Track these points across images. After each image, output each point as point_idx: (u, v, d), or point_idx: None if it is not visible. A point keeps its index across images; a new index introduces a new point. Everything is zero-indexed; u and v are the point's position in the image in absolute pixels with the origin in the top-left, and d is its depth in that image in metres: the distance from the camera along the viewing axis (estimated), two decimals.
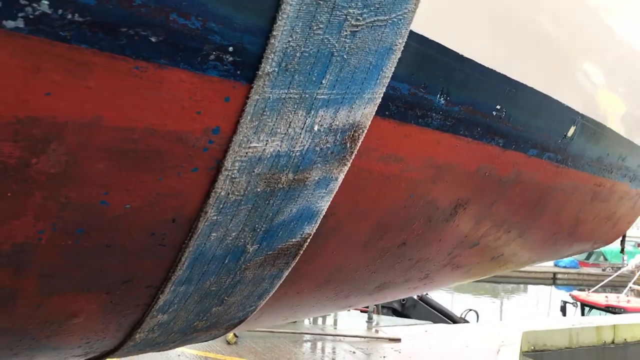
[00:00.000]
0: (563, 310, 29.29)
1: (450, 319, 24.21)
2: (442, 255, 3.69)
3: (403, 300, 24.44)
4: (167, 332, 2.62)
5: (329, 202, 2.47)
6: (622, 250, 8.21)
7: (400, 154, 2.63)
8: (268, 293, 2.75)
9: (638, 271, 32.62)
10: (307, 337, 14.01)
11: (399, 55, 2.19)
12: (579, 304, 29.15)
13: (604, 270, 54.17)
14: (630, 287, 29.00)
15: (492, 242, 4.05)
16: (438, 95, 2.54)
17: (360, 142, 2.32)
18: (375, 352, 13.16)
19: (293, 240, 2.51)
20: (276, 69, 1.87)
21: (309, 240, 2.57)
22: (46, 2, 1.35)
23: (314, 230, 2.54)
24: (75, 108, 1.54)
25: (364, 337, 14.40)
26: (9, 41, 1.35)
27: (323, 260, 2.86)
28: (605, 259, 55.59)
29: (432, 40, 2.39)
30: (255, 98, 1.88)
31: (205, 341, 3.06)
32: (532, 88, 3.12)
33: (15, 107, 1.45)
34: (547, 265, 52.58)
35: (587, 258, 54.71)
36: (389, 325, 16.78)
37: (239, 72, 1.82)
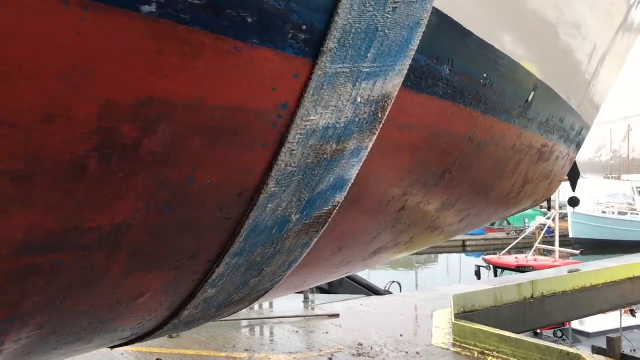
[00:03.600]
0: (477, 274, 30.94)
1: (376, 292, 24.97)
2: (429, 217, 3.97)
3: None
4: (207, 308, 2.73)
5: (358, 171, 2.66)
6: (549, 208, 8.89)
7: (411, 122, 2.86)
8: (296, 262, 2.91)
9: (540, 232, 34.95)
10: (248, 322, 14.11)
11: (423, 29, 2.40)
12: (491, 266, 30.90)
13: (508, 234, 57.56)
14: (535, 247, 31.07)
15: (464, 204, 4.39)
16: (445, 66, 2.79)
17: (388, 112, 2.53)
18: (317, 329, 13.44)
19: (326, 208, 2.68)
20: (336, 45, 2.04)
21: (337, 208, 2.75)
22: None
23: (343, 198, 2.72)
24: (185, 89, 1.64)
25: (304, 317, 14.68)
26: (142, 25, 1.44)
27: (342, 227, 3.05)
28: (509, 223, 59.06)
29: (446, 15, 2.62)
30: (318, 73, 2.04)
31: (228, 316, 3.17)
32: (508, 56, 3.44)
33: (138, 89, 1.53)
34: None
35: (492, 224, 57.89)
36: (325, 302, 17.14)
37: (307, 49, 1.97)
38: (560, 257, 30.61)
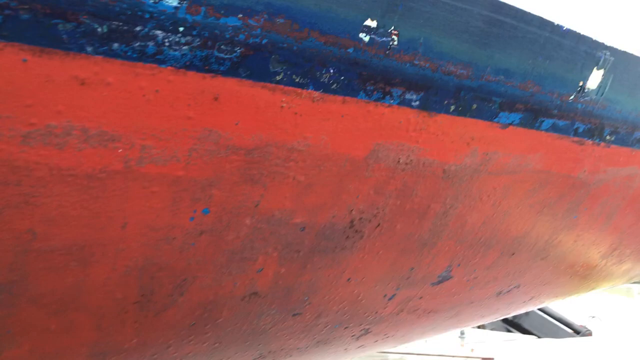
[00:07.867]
0: None
1: (570, 328, 21.59)
2: (378, 300, 2.19)
3: None
4: None
5: None
6: None
7: (108, 128, 1.22)
8: None
9: None
10: (385, 357, 12.53)
11: None
12: None
13: None
14: None
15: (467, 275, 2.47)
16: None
17: None
18: None
19: None
20: None
21: None
22: None
23: None
24: None
25: (451, 356, 12.68)
26: None
27: None
28: None
29: None
30: None
31: None
32: None
33: None
34: None
35: None
36: (486, 340, 14.84)
37: None
38: None
